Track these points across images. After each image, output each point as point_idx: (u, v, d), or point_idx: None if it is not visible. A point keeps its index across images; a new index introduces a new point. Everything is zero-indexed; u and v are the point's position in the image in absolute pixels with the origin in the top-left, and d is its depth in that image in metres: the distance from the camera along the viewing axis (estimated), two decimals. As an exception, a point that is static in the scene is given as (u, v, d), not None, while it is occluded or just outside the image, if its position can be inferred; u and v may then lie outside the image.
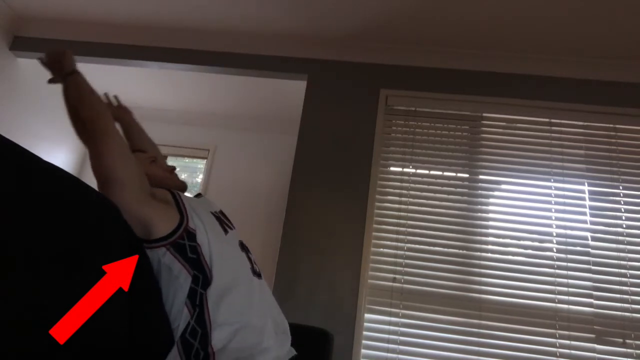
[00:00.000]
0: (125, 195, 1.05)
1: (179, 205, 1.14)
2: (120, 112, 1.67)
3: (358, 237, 2.21)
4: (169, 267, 1.06)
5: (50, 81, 1.38)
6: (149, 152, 1.44)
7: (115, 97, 1.72)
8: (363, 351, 2.06)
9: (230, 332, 1.02)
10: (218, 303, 1.04)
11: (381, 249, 2.22)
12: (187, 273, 1.06)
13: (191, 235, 1.09)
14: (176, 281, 1.06)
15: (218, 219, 1.24)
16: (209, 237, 1.10)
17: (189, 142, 3.66)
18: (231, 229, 1.26)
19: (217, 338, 1.00)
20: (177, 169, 1.43)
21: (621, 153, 2.29)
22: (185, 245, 1.07)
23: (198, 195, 1.39)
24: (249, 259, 1.21)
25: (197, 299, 1.04)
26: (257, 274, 1.19)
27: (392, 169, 2.38)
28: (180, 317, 1.04)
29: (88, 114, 1.13)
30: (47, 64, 1.37)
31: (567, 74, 2.42)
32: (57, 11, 2.68)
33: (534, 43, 2.37)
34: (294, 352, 1.14)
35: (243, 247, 1.23)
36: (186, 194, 1.32)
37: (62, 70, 1.29)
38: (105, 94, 1.66)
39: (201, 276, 1.05)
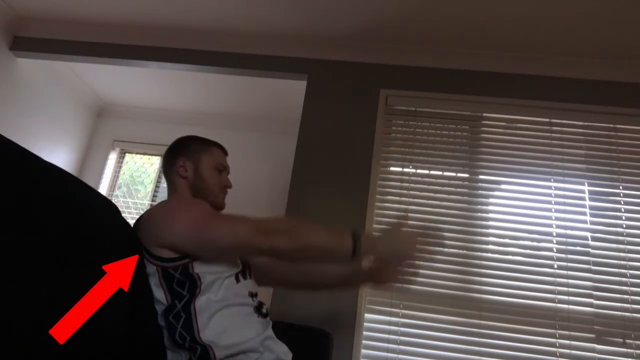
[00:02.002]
0: (189, 238, 1.04)
1: None
2: (372, 279, 1.36)
3: (358, 237, 2.20)
4: (153, 289, 1.07)
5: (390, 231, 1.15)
6: (226, 154, 1.36)
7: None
8: (363, 351, 2.05)
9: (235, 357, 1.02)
10: (219, 344, 1.03)
11: (381, 249, 2.22)
12: (166, 300, 1.06)
13: (186, 271, 1.06)
14: (157, 304, 1.07)
15: (242, 263, 1.21)
16: (212, 283, 1.08)
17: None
18: (246, 278, 1.21)
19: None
20: (230, 188, 1.35)
21: (621, 153, 2.29)
22: (174, 277, 1.06)
23: None
24: (255, 306, 1.18)
25: (187, 342, 1.02)
26: (263, 315, 1.17)
27: (392, 169, 2.38)
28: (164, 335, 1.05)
29: (278, 246, 1.01)
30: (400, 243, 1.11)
31: (567, 74, 2.42)
32: (57, 11, 2.68)
33: (534, 43, 2.37)
34: None
35: (252, 297, 1.20)
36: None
37: (371, 243, 1.08)
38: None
39: (184, 316, 1.03)
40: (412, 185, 2.32)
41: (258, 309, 1.17)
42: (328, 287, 1.42)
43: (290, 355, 1.15)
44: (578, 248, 2.15)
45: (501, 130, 2.40)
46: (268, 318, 1.20)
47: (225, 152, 1.35)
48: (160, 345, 1.06)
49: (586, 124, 2.35)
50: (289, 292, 2.14)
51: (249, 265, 1.27)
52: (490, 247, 2.18)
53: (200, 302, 1.05)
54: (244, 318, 1.10)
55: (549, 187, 2.26)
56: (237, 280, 1.16)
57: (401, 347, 2.05)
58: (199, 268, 1.07)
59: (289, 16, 2.44)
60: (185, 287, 1.06)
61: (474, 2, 2.15)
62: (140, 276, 1.05)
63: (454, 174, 2.33)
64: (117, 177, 3.60)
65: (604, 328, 2.01)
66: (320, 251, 1.05)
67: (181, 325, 1.03)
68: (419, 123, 2.44)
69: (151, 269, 1.07)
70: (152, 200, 3.48)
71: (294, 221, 1.11)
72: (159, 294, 1.07)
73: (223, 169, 1.31)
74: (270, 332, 1.15)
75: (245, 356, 1.03)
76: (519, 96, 2.40)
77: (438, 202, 2.28)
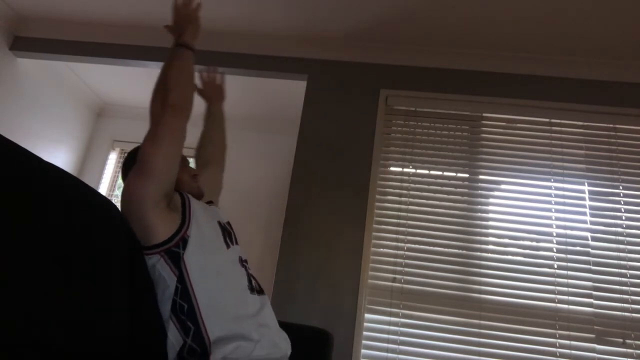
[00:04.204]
0: (148, 191, 1.03)
1: (185, 212, 1.13)
2: (213, 95, 1.62)
3: (358, 237, 2.21)
4: (162, 275, 1.06)
5: (165, 27, 1.32)
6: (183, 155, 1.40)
7: (222, 76, 1.68)
8: (363, 351, 2.06)
9: (230, 347, 1.02)
10: (214, 320, 1.03)
11: (381, 249, 2.22)
12: (174, 275, 1.06)
13: (186, 244, 1.07)
14: (168, 289, 1.06)
15: (224, 230, 1.21)
16: (203, 252, 1.08)
17: (189, 142, 3.62)
18: (234, 244, 1.23)
19: (217, 353, 1.00)
20: (199, 175, 1.37)
21: (621, 153, 2.29)
22: (179, 254, 1.06)
23: (209, 202, 1.36)
24: (248, 275, 1.18)
25: (185, 315, 1.03)
26: (257, 291, 1.17)
27: (392, 169, 2.38)
28: (168, 327, 1.04)
29: (174, 100, 1.10)
30: (175, 16, 1.29)
31: (567, 74, 2.42)
32: (57, 11, 2.68)
33: (534, 43, 2.37)
34: None
35: (243, 263, 1.21)
36: None
37: (180, 34, 1.24)
38: (201, 73, 1.62)
39: (180, 286, 1.04)
40: (412, 185, 2.32)
41: (250, 281, 1.17)
42: (222, 131, 1.63)
43: (289, 342, 1.16)
44: (578, 248, 2.15)
45: (501, 130, 2.40)
46: (265, 295, 1.20)
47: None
48: (161, 345, 1.06)
49: (586, 124, 2.35)
50: (289, 292, 2.14)
51: (231, 229, 1.29)
52: (490, 247, 2.19)
53: (193, 265, 1.06)
54: (240, 291, 1.11)
55: (549, 187, 2.26)
56: (227, 245, 1.18)
57: (401, 347, 2.05)
58: (193, 230, 1.09)
59: (289, 16, 2.44)
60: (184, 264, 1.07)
61: (473, 2, 2.15)
62: (140, 276, 1.05)
63: (454, 174, 2.33)
64: (117, 177, 3.60)
65: (604, 328, 2.01)
66: (181, 73, 1.17)
67: (180, 297, 1.04)
68: (419, 123, 2.44)
69: (155, 259, 1.06)
70: (152, 200, 3.47)
71: (155, 92, 1.17)
72: (168, 274, 1.05)
73: (183, 159, 1.34)
74: (265, 317, 1.13)
75: (237, 346, 1.02)
76: (519, 96, 2.41)
77: (438, 202, 2.28)
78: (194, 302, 1.03)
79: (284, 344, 1.14)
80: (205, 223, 1.15)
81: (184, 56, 1.19)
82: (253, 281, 1.20)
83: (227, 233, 1.23)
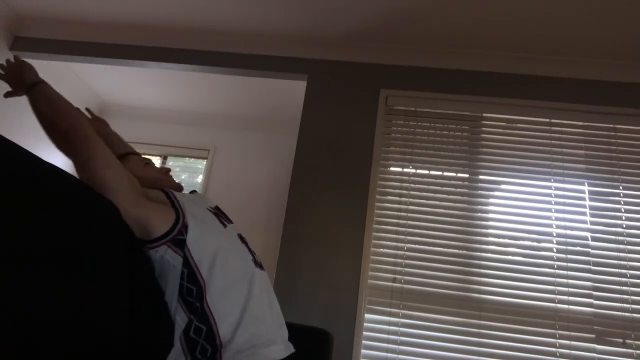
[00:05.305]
0: (120, 200, 1.04)
1: (174, 203, 1.14)
2: (97, 125, 1.62)
3: (358, 237, 2.21)
4: (172, 263, 1.07)
5: (7, 95, 1.33)
6: (140, 155, 1.43)
7: (87, 109, 1.68)
8: (363, 351, 2.06)
9: (234, 323, 1.03)
10: (220, 299, 1.04)
11: (381, 249, 2.22)
12: (181, 257, 1.08)
13: (187, 230, 1.09)
14: (178, 275, 1.07)
15: (215, 214, 1.24)
16: (204, 235, 1.10)
17: (189, 142, 3.66)
18: (229, 222, 1.26)
19: (224, 331, 1.02)
20: (171, 171, 1.42)
21: (621, 153, 2.29)
22: (184, 240, 1.08)
23: (192, 192, 1.39)
24: (250, 250, 1.22)
25: (193, 297, 1.04)
26: (259, 265, 1.20)
27: (392, 169, 2.38)
28: (175, 312, 1.05)
29: (67, 123, 1.11)
30: (5, 77, 1.32)
31: (567, 74, 2.42)
32: (57, 11, 2.68)
33: (534, 43, 2.37)
34: (292, 349, 1.14)
35: (242, 239, 1.24)
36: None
37: (23, 83, 1.26)
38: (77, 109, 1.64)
39: (186, 270, 1.06)
40: (412, 185, 2.32)
41: (253, 255, 1.19)
42: (121, 142, 1.63)
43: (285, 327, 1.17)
44: (578, 248, 2.15)
45: (501, 130, 2.40)
46: (265, 271, 1.22)
47: (138, 154, 1.45)
48: (162, 345, 1.06)
49: (586, 124, 2.35)
50: (289, 292, 2.14)
51: (221, 211, 1.31)
52: (490, 247, 2.19)
53: (196, 248, 1.08)
54: (245, 268, 1.13)
55: (549, 187, 2.26)
56: (224, 225, 1.20)
57: (401, 347, 2.05)
58: (189, 217, 1.10)
59: (289, 16, 2.44)
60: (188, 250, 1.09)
61: (473, 2, 2.15)
62: (140, 276, 1.05)
63: (454, 174, 2.33)
64: (117, 177, 3.59)
65: (604, 328, 2.01)
66: (52, 103, 1.19)
67: (186, 280, 1.04)
68: (419, 123, 2.44)
69: (162, 250, 1.07)
70: (152, 200, 3.48)
71: (51, 137, 1.21)
72: (178, 262, 1.07)
73: (149, 161, 1.38)
74: (267, 293, 1.15)
75: (244, 325, 1.04)
76: (519, 96, 2.41)
77: (438, 202, 2.28)
78: (201, 283, 1.05)
79: (283, 324, 1.17)
80: (197, 210, 1.17)
81: (42, 91, 1.23)
82: (255, 256, 1.22)
83: (218, 216, 1.25)
